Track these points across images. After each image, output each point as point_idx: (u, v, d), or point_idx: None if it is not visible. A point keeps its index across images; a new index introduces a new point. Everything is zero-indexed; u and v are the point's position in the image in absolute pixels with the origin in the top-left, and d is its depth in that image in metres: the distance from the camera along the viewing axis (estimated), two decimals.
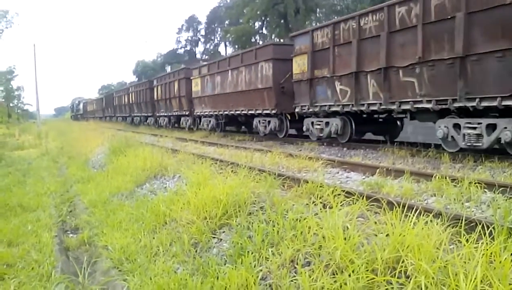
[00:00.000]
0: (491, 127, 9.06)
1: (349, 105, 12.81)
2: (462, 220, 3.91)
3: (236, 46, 50.74)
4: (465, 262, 3.19)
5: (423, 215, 3.97)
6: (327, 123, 14.01)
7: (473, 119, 9.44)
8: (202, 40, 77.95)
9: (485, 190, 6.13)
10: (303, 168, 9.19)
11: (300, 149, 13.65)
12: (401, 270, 3.33)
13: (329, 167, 9.32)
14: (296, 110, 15.40)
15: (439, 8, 9.75)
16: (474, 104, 9.17)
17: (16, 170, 14.05)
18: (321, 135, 14.29)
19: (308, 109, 14.65)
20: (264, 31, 50.08)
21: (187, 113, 25.73)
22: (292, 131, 17.67)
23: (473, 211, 5.40)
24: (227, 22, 62.02)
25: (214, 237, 5.23)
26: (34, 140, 28.35)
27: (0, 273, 5.24)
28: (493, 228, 3.78)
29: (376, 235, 3.95)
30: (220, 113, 21.13)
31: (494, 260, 3.20)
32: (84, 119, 69.60)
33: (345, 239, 3.82)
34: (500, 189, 5.91)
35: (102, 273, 5.47)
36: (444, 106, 9.89)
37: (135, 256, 5.42)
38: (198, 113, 24.04)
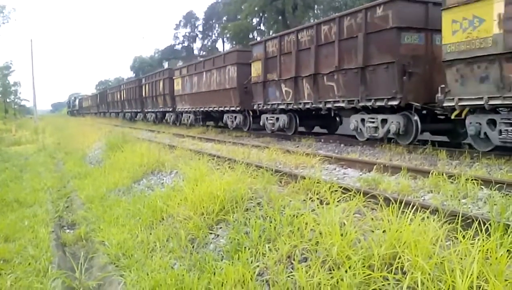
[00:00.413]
0: (385, 121, 11.98)
1: (291, 103, 15.73)
2: (458, 216, 3.93)
3: (234, 42, 50.70)
4: (461, 258, 3.20)
5: (420, 212, 3.98)
6: (277, 118, 16.95)
7: (373, 115, 12.48)
8: (200, 36, 77.93)
9: (482, 186, 6.16)
10: (300, 164, 9.20)
11: (297, 146, 13.67)
12: (397, 266, 3.33)
13: (326, 164, 9.33)
14: (255, 107, 18.27)
15: (349, 29, 12.74)
16: (371, 103, 12.16)
17: (13, 166, 14.02)
18: (273, 128, 17.29)
19: (263, 106, 17.59)
20: (262, 27, 50.02)
21: (170, 110, 28.60)
22: (256, 126, 19.78)
23: (469, 207, 5.41)
24: (225, 18, 61.94)
25: (211, 233, 5.23)
26: (31, 136, 28.32)
27: None
28: (490, 224, 3.79)
29: (372, 231, 3.95)
30: (198, 109, 24.08)
31: (490, 256, 3.20)
32: (80, 115, 71.32)
33: (342, 235, 3.82)
34: (497, 185, 5.93)
35: (99, 268, 5.46)
36: (352, 105, 12.88)
37: (132, 251, 5.41)
38: (179, 110, 27.02)
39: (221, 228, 5.27)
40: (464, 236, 3.49)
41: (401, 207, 4.14)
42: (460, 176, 6.30)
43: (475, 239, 3.35)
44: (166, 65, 74.09)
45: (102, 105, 54.82)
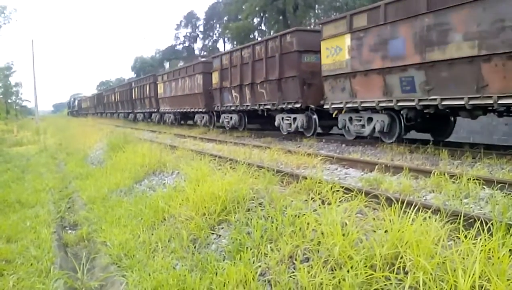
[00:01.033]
0: (295, 119, 15.92)
1: (238, 106, 19.67)
2: (460, 216, 3.92)
3: (235, 43, 50.69)
4: (463, 258, 3.20)
5: (421, 211, 3.98)
6: (231, 118, 20.87)
7: (288, 114, 16.44)
8: (201, 36, 77.89)
9: (484, 186, 6.14)
10: (302, 165, 9.19)
11: (298, 146, 13.67)
12: (399, 266, 3.34)
13: (327, 164, 9.33)
14: (215, 109, 22.29)
15: (271, 50, 16.65)
16: (285, 106, 16.08)
17: (15, 167, 14.05)
18: (229, 126, 21.06)
19: (220, 108, 21.60)
20: (263, 27, 50.03)
21: (155, 110, 32.75)
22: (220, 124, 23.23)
23: (471, 207, 5.41)
24: (225, 18, 61.98)
25: (213, 233, 5.23)
26: (32, 136, 28.35)
27: None
28: (492, 224, 3.79)
29: (374, 231, 3.95)
30: (176, 110, 28.14)
31: (493, 256, 3.21)
32: (79, 115, 73.06)
33: (343, 235, 3.83)
34: (499, 185, 5.92)
35: (101, 269, 5.47)
36: (275, 107, 16.73)
37: (134, 252, 5.42)
38: (162, 110, 31.13)
39: (223, 228, 5.27)
40: (466, 236, 3.49)
41: (403, 207, 4.14)
42: (462, 176, 6.29)
43: (477, 239, 3.35)
44: (167, 65, 74.22)
45: (99, 106, 58.12)
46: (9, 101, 79.42)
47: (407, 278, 3.14)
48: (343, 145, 13.05)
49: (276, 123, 17.20)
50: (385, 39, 11.46)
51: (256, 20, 49.87)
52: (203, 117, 24.58)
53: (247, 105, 18.85)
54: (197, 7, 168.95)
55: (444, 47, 9.87)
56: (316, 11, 45.47)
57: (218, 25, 70.49)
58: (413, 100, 10.84)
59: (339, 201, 4.77)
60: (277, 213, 4.78)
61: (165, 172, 9.19)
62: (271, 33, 42.83)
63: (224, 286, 3.90)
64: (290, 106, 15.65)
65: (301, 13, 41.31)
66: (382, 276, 3.28)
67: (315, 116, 15.09)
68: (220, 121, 22.27)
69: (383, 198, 4.75)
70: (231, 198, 5.57)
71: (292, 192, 5.89)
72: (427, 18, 10.18)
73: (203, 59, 29.07)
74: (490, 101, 9.01)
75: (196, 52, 76.01)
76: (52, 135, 31.25)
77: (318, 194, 5.44)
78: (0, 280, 4.92)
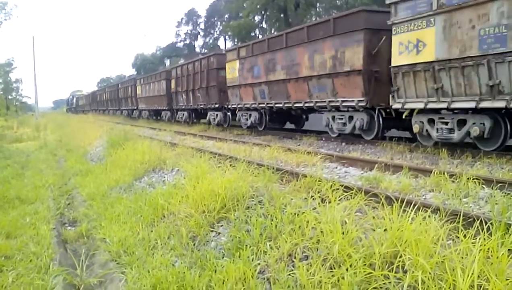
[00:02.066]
0: (218, 116, 22.38)
1: (186, 105, 26.89)
2: (460, 215, 3.92)
3: (236, 40, 50.62)
4: (462, 257, 3.20)
5: (421, 211, 3.98)
6: (183, 114, 27.93)
7: (214, 112, 22.93)
8: (202, 33, 77.64)
9: (483, 186, 6.15)
10: (302, 163, 9.20)
11: (298, 144, 13.68)
12: (398, 265, 3.34)
13: (327, 162, 9.34)
14: (174, 107, 29.21)
15: (204, 66, 23.53)
16: (211, 106, 22.78)
17: (15, 163, 14.02)
18: (182, 119, 28.02)
19: (177, 106, 28.72)
20: (264, 25, 49.95)
21: (136, 108, 39.48)
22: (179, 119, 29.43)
23: (471, 206, 5.42)
24: (226, 16, 61.83)
25: (212, 231, 5.24)
26: (32, 133, 28.31)
27: None
28: (491, 223, 3.80)
29: (374, 230, 3.96)
30: (149, 108, 35.43)
31: (492, 256, 3.21)
32: (76, 112, 77.08)
33: (343, 233, 3.83)
34: (498, 185, 5.92)
35: (100, 265, 5.48)
36: (205, 107, 23.78)
37: (133, 249, 5.43)
38: (140, 108, 38.20)
39: (222, 226, 5.27)
40: (465, 235, 3.50)
41: (403, 206, 4.14)
42: (462, 175, 6.30)
43: (476, 239, 3.35)
44: (168, 62, 74.06)
45: (93, 104, 64.29)
46: (10, 97, 79.28)
47: (406, 277, 3.14)
48: (343, 144, 13.05)
49: (207, 118, 23.99)
50: (253, 65, 18.70)
51: (257, 18, 49.80)
52: (166, 113, 31.77)
53: (191, 105, 25.85)
54: (198, 4, 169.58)
55: (274, 72, 16.98)
56: (317, 9, 45.40)
57: (219, 23, 70.32)
58: (265, 103, 18.03)
59: (339, 200, 4.78)
60: (277, 211, 4.78)
61: (165, 169, 9.19)
62: (273, 31, 42.89)
63: (223, 283, 3.90)
64: (213, 106, 22.73)
65: (302, 11, 41.24)
66: (381, 274, 3.29)
67: (229, 113, 21.99)
68: (177, 117, 28.95)
69: (382, 197, 4.75)
70: (230, 196, 5.58)
71: (292, 190, 5.91)
72: (268, 55, 17.39)
73: (166, 69, 37.11)
74: (290, 105, 16.36)
75: (197, 49, 75.87)
76: (52, 131, 31.26)
77: (318, 192, 5.43)
78: (0, 276, 4.92)
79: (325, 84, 14.00)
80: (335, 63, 13.35)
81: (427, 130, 10.61)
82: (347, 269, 3.41)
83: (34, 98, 57.86)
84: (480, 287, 2.94)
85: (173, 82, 28.75)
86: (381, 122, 12.53)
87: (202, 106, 24.14)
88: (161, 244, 5.27)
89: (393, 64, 11.08)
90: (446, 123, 10.12)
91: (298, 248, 4.02)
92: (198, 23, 77.93)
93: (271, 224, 4.56)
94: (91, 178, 10.42)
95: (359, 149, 11.60)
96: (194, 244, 5.05)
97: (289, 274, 3.72)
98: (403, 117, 11.37)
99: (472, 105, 9.33)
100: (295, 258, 3.91)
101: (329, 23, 13.71)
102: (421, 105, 10.52)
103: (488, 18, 8.80)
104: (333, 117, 14.26)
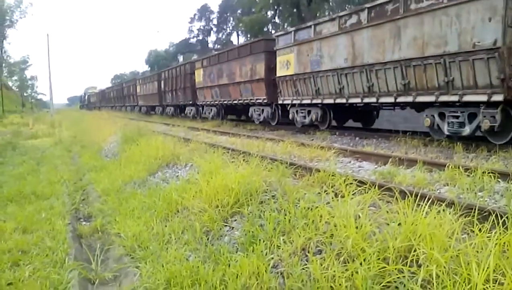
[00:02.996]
0: (191, 110, 29.09)
1: (171, 101, 32.37)
2: (475, 209, 3.88)
3: (249, 36, 50.57)
4: (477, 252, 3.17)
5: (435, 205, 3.95)
6: (170, 109, 33.52)
7: (189, 107, 29.37)
8: (215, 29, 77.79)
9: (499, 180, 6.09)
10: (315, 157, 9.17)
11: (312, 139, 13.64)
12: (412, 259, 3.32)
13: (341, 157, 9.30)
14: (164, 103, 34.90)
15: (178, 71, 30.39)
16: (187, 103, 29.27)
17: (30, 159, 14.16)
18: (169, 113, 33.63)
19: (166, 103, 34.27)
20: (277, 20, 49.83)
21: (136, 104, 45.60)
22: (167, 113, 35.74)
23: (486, 200, 5.36)
24: (239, 11, 61.80)
25: (225, 225, 5.25)
26: (47, 129, 28.56)
27: (15, 259, 5.30)
28: (507, 217, 3.75)
29: (388, 224, 3.94)
30: (146, 104, 41.34)
31: (507, 250, 3.18)
32: (90, 109, 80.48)
33: (356, 228, 3.82)
34: None
35: (115, 260, 5.52)
36: (184, 103, 29.74)
37: (147, 243, 5.46)
38: (140, 104, 44.12)
39: (235, 220, 5.28)
40: (480, 229, 3.46)
41: (417, 200, 4.11)
42: (477, 169, 6.24)
43: (491, 233, 3.32)
44: (181, 58, 74.30)
45: (103, 101, 69.81)
46: (25, 94, 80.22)
47: (420, 271, 3.13)
48: (357, 138, 12.99)
49: (185, 112, 29.98)
50: (210, 73, 24.33)
51: (270, 13, 49.69)
52: (159, 108, 37.08)
53: (174, 102, 31.87)
54: (211, 0, 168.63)
55: (222, 78, 22.65)
56: (330, 3, 45.15)
57: (231, 18, 70.35)
58: (220, 101, 23.49)
59: (353, 194, 4.76)
60: (290, 206, 4.78)
61: (178, 165, 9.22)
62: (285, 26, 42.74)
63: (236, 277, 3.91)
64: (189, 102, 28.64)
65: (315, 6, 41.06)
66: (395, 269, 3.27)
67: (200, 108, 27.34)
68: (165, 111, 35.04)
69: (396, 191, 4.73)
70: (244, 191, 5.58)
71: (305, 184, 5.89)
72: (218, 65, 23.08)
73: (157, 72, 40.83)
74: (231, 102, 22.16)
75: (210, 45, 76.01)
76: (67, 128, 31.47)
77: (331, 187, 5.42)
78: (17, 270, 4.98)
79: (248, 88, 19.98)
80: (252, 73, 19.41)
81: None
82: (361, 264, 3.40)
83: (49, 95, 58.33)
84: (496, 281, 2.92)
85: (162, 83, 34.62)
86: (279, 112, 18.40)
87: (182, 103, 30.37)
88: (175, 239, 5.30)
89: (277, 75, 17.20)
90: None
91: (311, 243, 4.01)
92: (211, 18, 78.10)
93: (285, 218, 4.56)
94: (105, 174, 10.49)
95: (373, 144, 11.53)
96: (207, 239, 5.07)
97: (303, 269, 3.72)
98: (288, 109, 17.15)
99: (309, 101, 15.60)
100: (308, 252, 3.91)
101: (248, 46, 20.20)
102: (289, 102, 16.83)
103: (312, 51, 14.86)
104: (254, 110, 20.36)
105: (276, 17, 49.80)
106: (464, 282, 2.94)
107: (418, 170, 7.19)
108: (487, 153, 8.94)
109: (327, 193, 5.04)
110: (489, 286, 2.87)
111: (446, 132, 10.43)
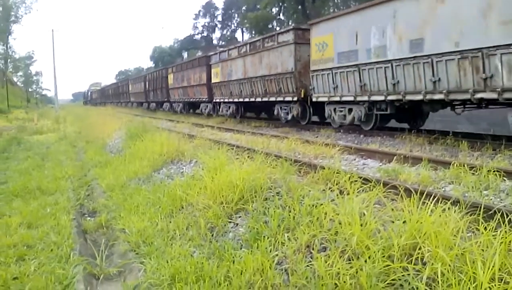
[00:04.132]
0: (166, 106, 36.73)
1: (153, 99, 39.70)
2: (480, 208, 3.87)
3: (254, 32, 50.52)
4: (483, 250, 3.16)
5: (440, 203, 3.94)
6: (153, 105, 39.94)
7: (166, 103, 36.68)
8: (219, 26, 77.81)
9: (504, 178, 6.07)
10: (320, 155, 9.16)
11: (316, 136, 13.63)
12: (417, 257, 3.32)
13: (345, 154, 9.29)
14: (149, 100, 41.08)
15: (157, 74, 38.22)
16: (163, 100, 36.53)
17: (35, 154, 14.19)
18: (152, 108, 39.76)
19: (150, 100, 41.01)
20: (282, 17, 49.77)
21: (129, 101, 52.15)
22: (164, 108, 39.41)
23: (491, 199, 5.35)
24: (244, 8, 61.73)
25: (230, 222, 5.26)
26: (52, 125, 28.61)
27: (21, 254, 5.32)
28: None
29: (392, 222, 3.93)
30: (138, 101, 46.61)
31: None
32: (91, 104, 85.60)
33: (361, 225, 3.82)
34: None
35: (119, 255, 5.53)
36: (161, 100, 37.18)
37: (152, 239, 5.47)
38: (132, 100, 50.28)
39: (240, 217, 5.29)
40: (485, 227, 3.46)
41: (422, 198, 4.11)
42: (482, 167, 6.21)
43: (497, 231, 3.31)
44: (185, 55, 74.29)
45: (103, 97, 76.38)
46: (30, 90, 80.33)
47: (425, 269, 3.12)
48: (361, 136, 12.97)
49: (162, 107, 36.60)
50: (176, 77, 31.79)
51: (274, 10, 49.62)
52: (145, 104, 43.66)
53: (155, 99, 38.27)
54: None
55: (183, 82, 30.46)
56: (335, 0, 45.04)
57: (236, 15, 70.36)
58: (182, 99, 31.43)
59: (357, 192, 4.75)
60: (295, 203, 4.78)
61: (183, 161, 9.23)
62: (290, 23, 42.68)
63: (241, 274, 3.92)
64: (165, 100, 35.78)
65: (320, 3, 40.98)
66: (400, 266, 3.27)
67: (174, 104, 33.89)
68: (150, 106, 41.27)
69: (401, 188, 4.72)
70: (248, 187, 5.59)
71: (310, 182, 5.89)
72: (181, 72, 31.12)
73: (144, 74, 49.63)
74: (190, 100, 30.29)
75: (215, 42, 75.97)
76: (71, 123, 31.54)
77: (336, 184, 5.42)
78: (22, 264, 5.00)
79: (198, 90, 27.57)
80: (199, 79, 27.09)
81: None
82: (365, 261, 3.40)
83: (53, 91, 58.55)
84: (501, 280, 2.91)
85: (147, 83, 41.69)
86: (217, 108, 25.26)
87: (160, 100, 37.29)
88: (179, 235, 5.31)
89: (212, 81, 24.92)
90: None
91: (316, 240, 4.01)
92: (215, 15, 78.10)
93: (289, 215, 4.56)
94: (110, 170, 10.50)
95: (377, 141, 11.51)
96: (212, 235, 5.07)
97: (307, 265, 3.72)
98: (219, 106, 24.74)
99: (232, 100, 22.69)
100: (313, 249, 3.91)
101: (196, 60, 28.67)
102: (219, 100, 24.54)
103: (228, 66, 22.57)
104: (205, 106, 27.32)
105: (281, 14, 49.76)
106: (469, 281, 2.94)
107: (423, 168, 7.17)
108: (493, 152, 8.91)
109: (331, 190, 5.05)
110: (495, 285, 2.86)
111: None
